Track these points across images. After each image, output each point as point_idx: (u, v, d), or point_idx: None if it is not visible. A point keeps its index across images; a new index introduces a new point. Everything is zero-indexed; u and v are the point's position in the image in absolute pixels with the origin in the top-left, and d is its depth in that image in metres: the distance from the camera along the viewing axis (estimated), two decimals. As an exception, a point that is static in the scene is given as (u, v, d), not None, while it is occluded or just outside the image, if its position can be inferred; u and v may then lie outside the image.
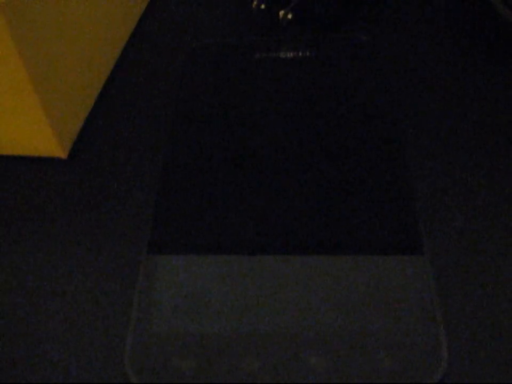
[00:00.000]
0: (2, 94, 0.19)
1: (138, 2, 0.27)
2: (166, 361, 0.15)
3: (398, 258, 0.17)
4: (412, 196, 0.18)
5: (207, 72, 0.23)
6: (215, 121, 0.21)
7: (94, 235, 0.19)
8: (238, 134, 0.21)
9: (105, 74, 0.24)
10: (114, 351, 0.16)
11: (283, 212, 0.18)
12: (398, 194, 0.18)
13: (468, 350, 0.15)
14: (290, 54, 0.24)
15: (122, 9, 0.26)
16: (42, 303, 0.17)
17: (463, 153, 0.21)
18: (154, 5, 0.29)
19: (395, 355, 0.15)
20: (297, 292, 0.16)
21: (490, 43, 0.25)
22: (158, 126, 0.22)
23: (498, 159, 0.20)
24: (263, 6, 0.27)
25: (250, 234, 0.17)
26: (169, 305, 0.16)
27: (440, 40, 0.25)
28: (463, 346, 0.16)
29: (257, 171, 0.19)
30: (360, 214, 0.18)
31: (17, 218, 0.20)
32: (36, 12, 0.18)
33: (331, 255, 0.17)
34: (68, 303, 0.17)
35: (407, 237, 0.17)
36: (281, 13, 0.26)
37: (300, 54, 0.24)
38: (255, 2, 0.27)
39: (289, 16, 0.26)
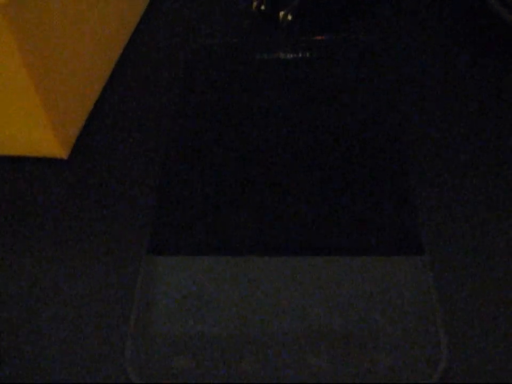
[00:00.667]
0: (3, 94, 0.19)
1: (138, 2, 0.27)
2: (166, 361, 0.15)
3: (398, 259, 0.17)
4: (411, 197, 0.18)
5: (207, 73, 0.23)
6: (215, 122, 0.21)
7: (94, 236, 0.19)
8: (239, 135, 0.21)
9: (106, 75, 0.24)
10: (114, 351, 0.16)
11: (283, 213, 0.18)
12: (398, 195, 0.18)
13: (468, 350, 0.15)
14: (290, 55, 0.24)
15: (123, 10, 0.26)
16: (42, 303, 0.17)
17: (463, 153, 0.21)
18: (154, 5, 0.29)
19: (395, 355, 0.15)
20: (297, 292, 0.16)
21: (491, 43, 0.25)
22: (158, 127, 0.23)
23: (499, 159, 0.20)
24: (263, 7, 0.27)
25: (250, 235, 0.17)
26: (169, 306, 0.16)
27: (440, 40, 0.25)
28: (463, 346, 0.16)
29: (257, 172, 0.19)
30: (360, 214, 0.18)
31: (17, 218, 0.20)
32: (37, 13, 0.18)
33: (331, 255, 0.17)
34: (68, 303, 0.17)
35: (407, 237, 0.17)
36: (281, 14, 0.26)
37: (300, 55, 0.24)
38: (255, 3, 0.27)
39: (289, 17, 0.26)
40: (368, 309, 0.15)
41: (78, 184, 0.20)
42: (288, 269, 0.17)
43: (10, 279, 0.18)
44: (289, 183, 0.19)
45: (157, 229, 0.18)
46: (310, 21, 0.27)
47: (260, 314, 0.16)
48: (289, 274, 0.16)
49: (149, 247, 0.17)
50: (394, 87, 0.23)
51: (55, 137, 0.20)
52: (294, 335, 0.15)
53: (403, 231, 0.17)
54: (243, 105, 0.22)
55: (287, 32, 0.27)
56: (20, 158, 0.22)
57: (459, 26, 0.26)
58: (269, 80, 0.23)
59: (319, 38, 0.25)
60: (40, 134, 0.20)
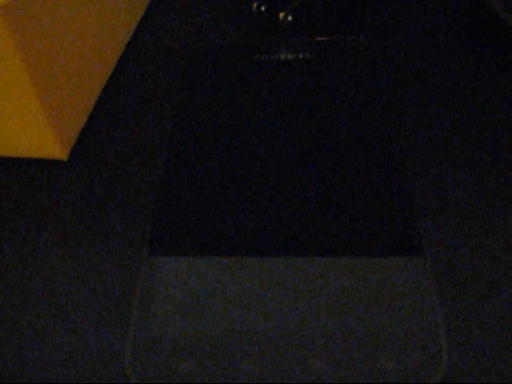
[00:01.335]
0: (3, 96, 0.19)
1: (139, 3, 0.27)
2: (166, 362, 0.15)
3: (398, 260, 0.16)
4: (411, 197, 0.18)
5: (207, 74, 0.23)
6: (215, 123, 0.21)
7: (94, 237, 0.19)
8: (238, 136, 0.21)
9: (106, 76, 0.24)
10: (114, 352, 0.16)
11: (283, 213, 0.18)
12: (397, 196, 0.18)
13: (468, 351, 0.15)
14: (290, 56, 0.24)
15: (123, 11, 0.26)
16: (43, 304, 0.17)
17: (463, 154, 0.21)
18: (154, 6, 0.29)
19: (395, 356, 0.15)
20: (297, 293, 0.16)
21: (490, 45, 0.25)
22: (158, 128, 0.23)
23: (498, 159, 0.20)
24: (263, 8, 0.27)
25: (250, 236, 0.17)
26: (169, 307, 0.16)
27: (439, 42, 0.25)
28: (463, 346, 0.16)
29: (257, 173, 0.19)
30: (360, 215, 0.18)
31: (18, 219, 0.20)
32: (37, 14, 0.18)
33: (331, 256, 0.17)
34: (68, 304, 0.17)
35: (407, 238, 0.17)
36: (281, 15, 0.26)
37: (300, 56, 0.24)
38: (255, 4, 0.27)
39: (289, 18, 0.26)
40: (368, 310, 0.15)
41: (78, 186, 0.20)
42: (289, 270, 0.16)
43: (10, 279, 0.18)
44: (288, 184, 0.19)
45: (157, 230, 0.18)
46: (309, 22, 0.27)
47: (260, 315, 0.16)
48: (289, 275, 0.16)
49: (149, 248, 0.17)
50: (393, 88, 0.23)
51: (54, 138, 0.20)
52: (295, 336, 0.15)
53: (403, 232, 0.17)
54: (243, 106, 0.22)
55: (287, 33, 0.27)
56: (19, 160, 0.22)
57: (457, 27, 0.26)
58: (269, 81, 0.23)
59: (318, 39, 0.25)
60: (40, 135, 0.20)
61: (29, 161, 0.21)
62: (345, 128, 0.20)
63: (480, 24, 0.26)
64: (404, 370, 0.14)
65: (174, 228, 0.18)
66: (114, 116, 0.23)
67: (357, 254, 0.17)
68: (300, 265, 0.17)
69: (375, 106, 0.21)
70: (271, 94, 0.22)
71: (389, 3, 0.28)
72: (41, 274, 0.18)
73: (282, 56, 0.24)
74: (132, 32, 0.27)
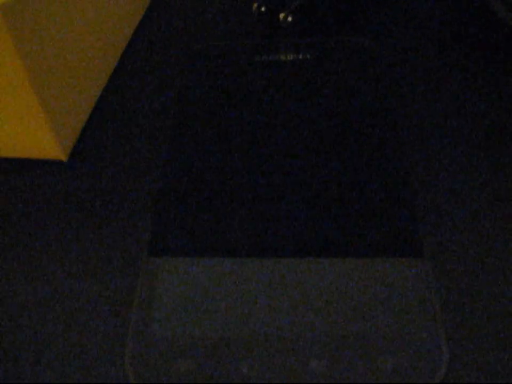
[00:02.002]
0: (3, 96, 0.19)
1: (139, 4, 0.27)
2: (166, 363, 0.15)
3: (398, 261, 0.16)
4: (411, 198, 0.18)
5: (207, 74, 0.23)
6: (215, 123, 0.21)
7: (94, 237, 0.19)
8: (238, 137, 0.20)
9: (106, 77, 0.24)
10: (114, 353, 0.16)
11: (283, 214, 0.18)
12: (397, 197, 0.18)
13: (468, 351, 0.15)
14: (290, 57, 0.24)
15: (123, 11, 0.26)
16: (43, 305, 0.17)
17: (463, 154, 0.21)
18: (154, 7, 0.29)
19: (396, 356, 0.15)
20: (297, 294, 0.16)
21: (491, 46, 0.25)
22: (158, 129, 0.22)
23: (499, 160, 0.20)
24: (263, 9, 0.27)
25: (250, 237, 0.17)
26: (170, 307, 0.16)
27: (440, 43, 0.25)
28: (463, 347, 0.15)
29: (257, 173, 0.19)
30: (360, 216, 0.18)
31: (17, 220, 0.20)
32: (36, 14, 0.18)
33: (331, 257, 0.17)
34: (68, 304, 0.17)
35: (407, 239, 0.17)
36: (282, 15, 0.26)
37: (300, 56, 0.24)
38: (255, 5, 0.27)
39: (290, 18, 0.26)
40: (369, 311, 0.15)
41: (78, 186, 0.20)
42: (289, 270, 0.16)
43: (10, 280, 0.18)
44: (289, 184, 0.19)
45: (157, 230, 0.18)
46: (309, 22, 0.27)
47: (260, 316, 0.16)
48: (289, 276, 0.16)
49: (149, 249, 0.17)
50: (393, 89, 0.23)
51: (54, 139, 0.20)
52: (295, 337, 0.15)
53: (403, 233, 0.17)
54: (242, 107, 0.22)
55: (287, 34, 0.27)
56: (19, 160, 0.22)
57: (457, 27, 0.26)
58: (269, 82, 0.23)
59: (318, 39, 0.25)
60: (39, 136, 0.20)
61: (29, 162, 0.21)
62: (345, 128, 0.20)
63: (479, 23, 0.26)
64: (403, 371, 0.14)
65: (174, 229, 0.18)
66: (114, 116, 0.23)
67: (357, 255, 0.17)
68: (299, 266, 0.17)
69: (376, 108, 0.21)
70: (271, 95, 0.22)
71: (389, 4, 0.28)
72: (41, 274, 0.18)
73: (283, 57, 0.24)
74: (131, 33, 0.27)
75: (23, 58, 0.18)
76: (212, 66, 0.24)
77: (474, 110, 0.22)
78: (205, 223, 0.18)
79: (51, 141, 0.20)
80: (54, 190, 0.20)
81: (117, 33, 0.25)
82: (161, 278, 0.17)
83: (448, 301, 0.17)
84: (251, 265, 0.17)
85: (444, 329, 0.15)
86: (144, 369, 0.15)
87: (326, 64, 0.23)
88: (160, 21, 0.28)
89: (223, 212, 0.18)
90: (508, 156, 0.20)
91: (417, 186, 0.20)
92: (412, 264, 0.16)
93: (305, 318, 0.15)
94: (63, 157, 0.21)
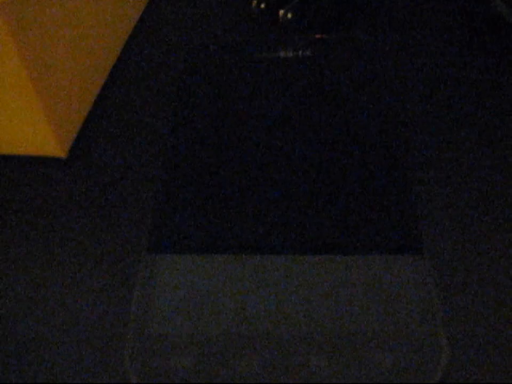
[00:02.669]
0: (2, 93, 0.19)
1: (138, 2, 0.27)
2: (166, 361, 0.15)
3: (397, 258, 0.16)
4: (411, 196, 0.18)
5: (206, 72, 0.23)
6: (214, 120, 0.21)
7: (94, 234, 0.19)
8: (238, 134, 0.20)
9: (105, 74, 0.24)
10: (114, 351, 0.16)
11: (282, 211, 0.18)
12: (397, 194, 0.18)
13: (468, 350, 0.15)
14: (290, 54, 0.24)
15: (122, 9, 0.25)
16: (42, 303, 0.17)
17: (463, 152, 0.21)
18: (153, 4, 0.29)
19: (395, 355, 0.15)
20: (297, 291, 0.16)
21: (490, 42, 0.25)
22: (158, 126, 0.22)
23: (499, 159, 0.20)
24: (263, 6, 0.26)
25: (249, 233, 0.17)
26: (169, 305, 0.16)
27: (440, 39, 0.25)
28: (463, 346, 0.16)
29: (257, 170, 0.19)
30: (360, 213, 0.18)
31: (16, 217, 0.20)
32: (36, 11, 0.18)
33: (330, 254, 0.17)
34: (67, 302, 0.17)
35: (407, 236, 0.17)
36: (281, 12, 0.26)
37: (300, 53, 0.24)
38: (255, 2, 0.27)
39: (289, 15, 0.26)
40: (368, 309, 0.15)
41: (77, 183, 0.20)
42: (287, 268, 0.16)
43: (9, 278, 0.18)
44: (289, 181, 0.19)
45: (156, 227, 0.18)
46: (310, 19, 0.27)
47: (260, 314, 0.16)
48: (288, 273, 0.16)
49: (148, 246, 0.17)
50: (393, 86, 0.23)
51: (54, 136, 0.20)
52: (294, 335, 0.15)
53: (403, 230, 0.17)
54: (242, 104, 0.22)
55: (287, 30, 0.26)
56: (18, 157, 0.22)
57: (458, 25, 0.26)
58: (269, 79, 0.23)
59: (319, 36, 0.25)
60: (39, 133, 0.20)
61: (28, 159, 0.21)
62: (345, 126, 0.20)
63: (480, 19, 0.26)
64: (403, 370, 0.14)
65: (174, 226, 0.18)
66: (113, 113, 0.23)
67: (357, 252, 0.17)
68: (300, 263, 0.17)
69: (376, 104, 0.21)
70: (271, 92, 0.22)
71: (389, 1, 0.28)
72: (39, 272, 0.18)
73: (282, 54, 0.24)
74: (131, 30, 0.27)
75: (22, 56, 0.18)
76: (212, 62, 0.24)
77: (475, 107, 0.22)
78: (204, 220, 0.18)
79: (50, 138, 0.20)
80: (53, 187, 0.20)
81: (116, 30, 0.25)
82: (160, 275, 0.17)
83: (448, 298, 0.17)
84: (250, 262, 0.17)
85: (443, 327, 0.15)
86: (143, 366, 0.15)
87: (326, 61, 0.23)
88: (160, 17, 0.28)
89: (222, 209, 0.18)
90: (508, 153, 0.20)
91: (418, 182, 0.20)
92: (412, 262, 0.16)
93: (304, 315, 0.15)
94: (62, 154, 0.21)
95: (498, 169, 0.20)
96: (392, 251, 0.17)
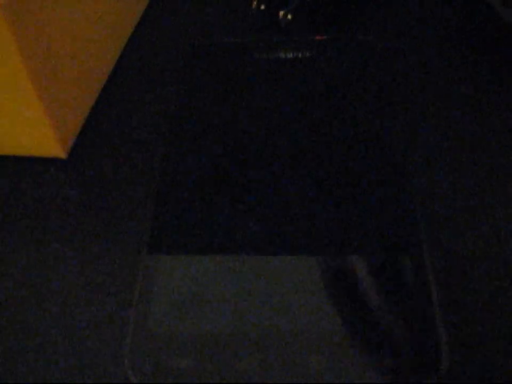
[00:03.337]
0: (3, 94, 0.19)
1: (138, 2, 0.27)
2: (165, 361, 0.15)
3: (397, 258, 0.17)
4: (411, 196, 0.18)
5: (206, 72, 0.23)
6: (214, 121, 0.21)
7: (93, 235, 0.19)
8: (237, 134, 0.21)
9: (106, 75, 0.24)
10: (113, 351, 0.16)
11: (281, 212, 0.18)
12: (397, 194, 0.18)
13: (468, 350, 0.15)
14: (290, 55, 0.24)
15: (123, 10, 0.26)
16: (42, 303, 0.17)
17: (464, 152, 0.21)
18: (154, 5, 0.29)
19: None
20: (296, 291, 0.16)
21: (492, 44, 0.25)
22: (157, 126, 0.22)
23: (499, 159, 0.20)
24: (262, 7, 0.27)
25: (249, 234, 0.17)
26: (168, 305, 0.16)
27: (443, 40, 0.25)
28: (463, 346, 0.16)
29: (256, 172, 0.19)
30: (359, 213, 0.18)
31: (16, 218, 0.20)
32: (37, 12, 0.18)
33: (329, 254, 0.17)
34: (67, 303, 0.17)
35: (406, 236, 0.17)
36: (281, 13, 0.26)
37: (300, 55, 0.24)
38: (254, 3, 0.27)
39: (289, 16, 0.26)
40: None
41: (77, 184, 0.20)
42: (287, 268, 0.16)
43: (10, 278, 0.18)
44: (288, 182, 0.19)
45: (156, 228, 0.18)
46: (310, 20, 0.27)
47: (259, 314, 0.16)
48: (287, 273, 0.16)
49: (147, 246, 0.17)
50: (393, 87, 0.23)
51: (54, 137, 0.20)
52: (293, 335, 0.15)
53: (402, 230, 0.17)
54: (242, 105, 0.22)
55: (287, 32, 0.26)
56: (19, 158, 0.22)
57: (459, 26, 0.26)
58: (269, 80, 0.23)
59: (319, 38, 0.25)
60: (39, 134, 0.20)
61: (28, 159, 0.21)
62: (345, 127, 0.20)
63: (481, 19, 0.26)
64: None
65: (173, 226, 0.18)
66: (114, 113, 0.23)
67: (356, 252, 0.17)
68: (298, 264, 0.17)
69: (376, 105, 0.21)
70: (271, 93, 0.22)
71: (390, 1, 0.28)
72: (40, 272, 0.18)
73: (283, 55, 0.24)
74: (131, 31, 0.27)
75: (23, 57, 0.18)
76: (212, 64, 0.24)
77: (477, 108, 0.22)
78: (203, 221, 0.18)
79: (51, 139, 0.20)
80: (53, 188, 0.20)
81: (116, 31, 0.25)
82: (160, 276, 0.17)
83: (447, 299, 0.17)
84: (249, 263, 0.17)
85: (443, 327, 0.15)
86: (142, 366, 0.15)
87: (326, 62, 0.23)
88: (160, 18, 0.28)
89: (221, 210, 0.18)
90: (509, 155, 0.20)
91: (418, 182, 0.20)
92: (411, 261, 0.16)
93: (303, 315, 0.15)
94: (63, 155, 0.21)
95: (499, 170, 0.20)
96: (391, 251, 0.17)
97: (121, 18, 0.26)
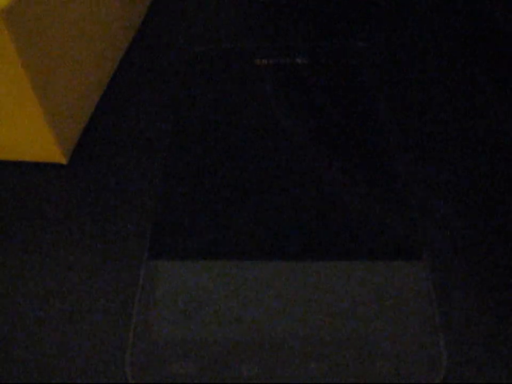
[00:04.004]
0: (3, 99, 0.19)
1: (139, 6, 0.27)
2: (166, 366, 0.15)
3: (397, 264, 0.17)
4: (410, 201, 0.18)
5: (207, 77, 0.23)
6: (214, 126, 0.21)
7: (94, 241, 0.19)
8: (237, 139, 0.21)
9: (106, 80, 0.24)
10: (115, 356, 0.16)
11: (283, 218, 0.18)
12: (397, 200, 0.18)
13: (466, 354, 0.15)
14: (289, 60, 0.24)
15: (124, 14, 0.26)
16: (43, 307, 0.17)
17: (461, 157, 0.21)
18: (154, 9, 0.29)
19: (395, 359, 0.15)
20: (297, 297, 0.16)
21: (487, 48, 0.25)
22: (158, 131, 0.23)
23: (497, 163, 0.20)
24: None
25: (250, 240, 0.17)
26: (170, 311, 0.16)
27: (436, 46, 0.26)
28: (462, 350, 0.16)
29: (257, 177, 0.19)
30: (360, 219, 0.18)
31: (17, 223, 0.20)
32: (37, 17, 0.18)
33: (330, 260, 0.17)
34: (69, 307, 0.17)
35: (406, 242, 0.17)
36: None
37: (299, 60, 0.24)
38: None
39: None
40: (368, 314, 0.15)
41: (78, 189, 0.20)
42: (288, 273, 0.17)
43: (11, 282, 0.18)
44: (288, 188, 0.19)
45: (157, 233, 0.18)
46: (308, 26, 0.27)
47: (260, 319, 0.16)
48: (289, 279, 0.16)
49: (149, 252, 0.17)
50: (390, 93, 0.23)
51: (54, 142, 0.20)
52: (294, 340, 0.15)
53: (402, 236, 0.17)
54: (242, 110, 0.22)
55: (287, 37, 0.27)
56: (19, 163, 0.22)
57: (454, 30, 0.26)
58: (268, 85, 0.23)
59: (317, 43, 0.25)
60: (39, 139, 0.20)
61: (29, 165, 0.21)
62: (343, 131, 0.21)
63: (477, 26, 0.26)
64: (403, 374, 0.14)
65: (174, 232, 0.18)
66: (114, 119, 0.23)
67: (356, 257, 0.17)
68: (299, 270, 0.17)
69: (373, 111, 0.21)
70: (270, 98, 0.22)
71: (387, 8, 0.28)
72: (40, 278, 0.18)
73: (282, 60, 0.24)
74: (132, 36, 0.27)
75: (23, 61, 0.18)
76: (211, 69, 0.24)
77: (473, 112, 0.22)
78: (204, 227, 0.18)
79: (51, 144, 0.20)
80: (54, 193, 0.20)
81: (117, 35, 0.25)
82: (161, 281, 0.17)
83: (446, 303, 0.17)
84: (251, 268, 0.17)
85: (442, 330, 0.15)
86: (144, 372, 0.15)
87: (324, 67, 0.23)
88: (160, 23, 0.28)
89: (223, 215, 0.18)
90: (508, 158, 0.20)
91: (417, 188, 0.20)
92: (411, 267, 0.16)
93: (305, 320, 0.16)
94: (63, 160, 0.21)
95: (497, 173, 0.20)
96: (391, 256, 0.17)
97: (122, 23, 0.26)
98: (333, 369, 0.15)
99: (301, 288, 0.16)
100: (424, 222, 0.19)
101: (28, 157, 0.21)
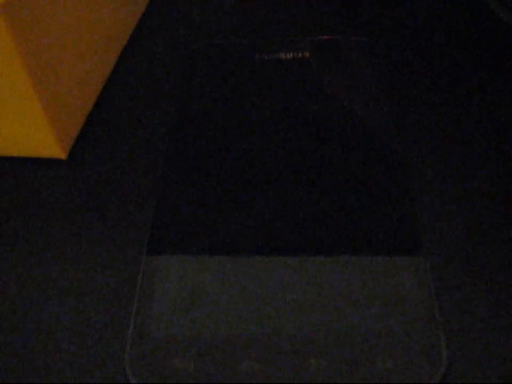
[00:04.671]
0: (3, 95, 0.19)
1: (138, 3, 0.27)
2: (166, 362, 0.15)
3: (397, 259, 0.17)
4: (411, 197, 0.18)
5: (207, 73, 0.23)
6: (214, 122, 0.21)
7: (94, 236, 0.19)
8: (237, 135, 0.21)
9: (106, 75, 0.24)
10: (114, 352, 0.16)
11: (282, 212, 0.18)
12: (397, 195, 0.18)
13: (467, 351, 0.15)
14: (290, 55, 0.24)
15: (123, 10, 0.26)
16: (42, 304, 0.17)
17: (462, 155, 0.21)
18: (154, 5, 0.29)
19: (395, 356, 0.15)
20: (297, 293, 0.16)
21: (489, 44, 0.25)
22: (158, 127, 0.22)
23: (498, 161, 0.20)
24: None
25: (250, 235, 0.17)
26: (169, 307, 0.16)
27: (439, 41, 0.25)
28: (462, 346, 0.16)
29: (256, 172, 0.19)
30: (359, 214, 0.18)
31: (16, 219, 0.20)
32: (37, 13, 0.18)
33: (330, 256, 0.17)
34: (67, 303, 0.17)
35: (406, 238, 0.17)
36: None
37: (300, 55, 0.24)
38: None
39: None
40: (368, 310, 0.15)
41: (77, 185, 0.20)
42: (288, 269, 0.16)
43: (10, 279, 0.18)
44: (289, 182, 0.19)
45: (157, 228, 0.18)
46: (309, 21, 0.27)
47: (260, 315, 0.16)
48: (288, 274, 0.16)
49: (148, 247, 0.17)
50: (392, 88, 0.23)
51: (54, 138, 0.20)
52: (294, 336, 0.15)
53: (402, 232, 0.17)
54: (242, 106, 0.22)
55: (287, 32, 0.27)
56: (19, 159, 0.22)
57: (456, 25, 0.26)
58: (268, 80, 0.23)
59: (318, 38, 0.25)
60: (39, 134, 0.20)
61: (28, 161, 0.21)
62: (344, 128, 0.20)
63: (478, 21, 0.26)
64: (403, 371, 0.14)
65: (174, 227, 0.18)
66: (114, 115, 0.23)
67: (356, 253, 0.17)
68: (299, 265, 0.17)
69: (375, 107, 0.21)
70: (271, 93, 0.22)
71: (389, 3, 0.28)
72: (39, 274, 0.18)
73: (282, 56, 0.24)
74: (131, 32, 0.27)
75: (23, 57, 0.18)
76: (212, 65, 0.24)
77: (474, 109, 0.22)
78: (204, 222, 0.18)
79: (51, 139, 0.20)
80: (53, 188, 0.20)
81: (116, 31, 0.25)
82: (161, 277, 0.17)
83: (447, 300, 0.17)
84: (250, 264, 0.17)
85: (442, 328, 0.15)
86: (143, 368, 0.15)
87: (325, 62, 0.23)
88: (160, 19, 0.28)
89: (222, 210, 0.18)
90: (508, 156, 0.20)
91: (417, 184, 0.20)
92: (411, 263, 0.16)
93: (304, 316, 0.15)
94: (63, 155, 0.21)
95: (498, 171, 0.20)
96: (391, 253, 0.17)
97: (121, 19, 0.26)
98: (332, 367, 0.15)
99: (300, 284, 0.16)
100: (424, 217, 0.19)
101: (27, 153, 0.21)
